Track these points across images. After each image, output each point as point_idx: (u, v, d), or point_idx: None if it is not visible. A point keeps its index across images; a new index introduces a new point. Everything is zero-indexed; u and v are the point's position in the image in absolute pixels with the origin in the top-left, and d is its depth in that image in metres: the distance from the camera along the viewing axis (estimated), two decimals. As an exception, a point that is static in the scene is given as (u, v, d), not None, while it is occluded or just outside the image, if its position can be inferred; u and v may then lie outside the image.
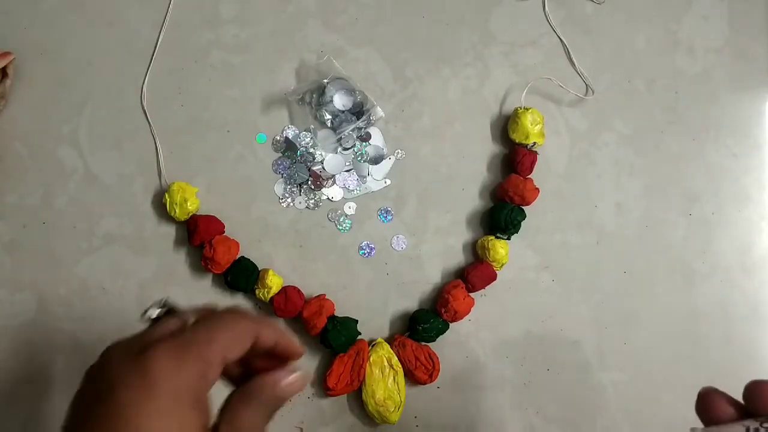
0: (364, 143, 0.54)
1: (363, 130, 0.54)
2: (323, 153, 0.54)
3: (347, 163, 0.54)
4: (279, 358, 0.33)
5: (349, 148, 0.54)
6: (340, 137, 0.54)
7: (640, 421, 0.53)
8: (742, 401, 0.29)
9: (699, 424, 0.28)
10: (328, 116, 0.54)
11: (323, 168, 0.54)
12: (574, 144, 0.56)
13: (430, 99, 0.56)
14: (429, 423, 0.52)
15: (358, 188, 0.54)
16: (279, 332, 0.33)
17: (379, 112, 0.55)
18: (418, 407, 0.52)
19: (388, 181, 0.54)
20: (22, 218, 0.53)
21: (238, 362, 0.32)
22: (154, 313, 0.33)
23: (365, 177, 0.54)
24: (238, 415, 0.30)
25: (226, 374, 0.33)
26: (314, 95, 0.54)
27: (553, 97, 0.56)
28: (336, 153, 0.54)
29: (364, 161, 0.54)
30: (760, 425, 0.28)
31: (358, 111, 0.54)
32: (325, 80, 0.54)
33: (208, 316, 0.32)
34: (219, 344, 0.30)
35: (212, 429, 0.30)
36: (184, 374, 0.29)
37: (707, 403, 0.29)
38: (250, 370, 0.33)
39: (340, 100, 0.53)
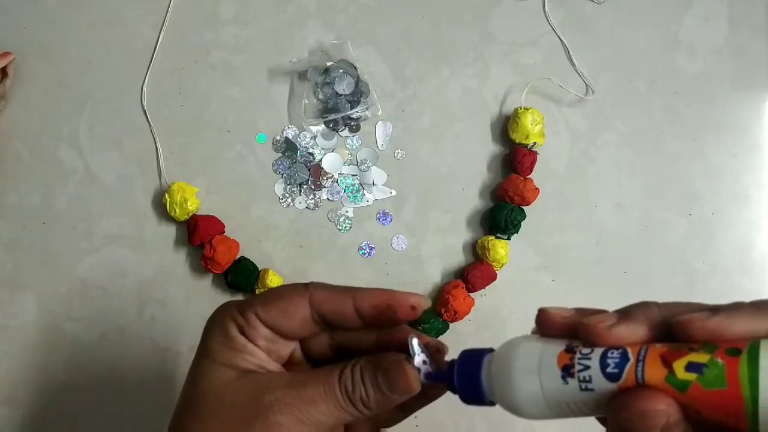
0: (353, 133, 0.55)
1: (354, 122, 0.54)
2: (323, 150, 0.54)
3: (344, 162, 0.54)
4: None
5: (334, 129, 0.54)
6: (327, 118, 0.54)
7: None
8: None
9: None
10: (321, 96, 0.54)
11: (322, 167, 0.54)
12: (574, 144, 0.56)
13: (430, 99, 0.56)
14: (429, 423, 0.52)
15: (360, 200, 0.54)
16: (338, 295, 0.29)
17: (378, 109, 0.55)
18: (418, 407, 0.52)
19: (393, 192, 0.54)
20: (22, 218, 0.53)
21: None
22: None
23: (371, 185, 0.54)
24: None
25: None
26: (317, 74, 0.54)
27: (553, 97, 0.56)
28: (323, 128, 0.55)
29: (361, 164, 0.54)
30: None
31: (355, 100, 0.54)
32: (330, 62, 0.53)
33: None
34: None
35: None
36: None
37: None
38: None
39: (340, 84, 0.53)
